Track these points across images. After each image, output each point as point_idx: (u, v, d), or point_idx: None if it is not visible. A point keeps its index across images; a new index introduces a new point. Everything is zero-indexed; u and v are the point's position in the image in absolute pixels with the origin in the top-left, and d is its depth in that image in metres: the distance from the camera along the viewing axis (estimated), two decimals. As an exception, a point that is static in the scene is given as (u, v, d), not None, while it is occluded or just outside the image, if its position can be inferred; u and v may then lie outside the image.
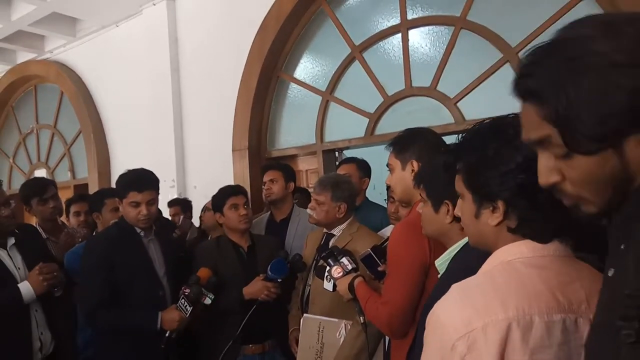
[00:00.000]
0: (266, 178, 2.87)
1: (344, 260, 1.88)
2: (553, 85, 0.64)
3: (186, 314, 2.14)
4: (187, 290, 2.16)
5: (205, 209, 3.18)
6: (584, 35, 0.64)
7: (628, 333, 0.57)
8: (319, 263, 2.17)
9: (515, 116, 0.81)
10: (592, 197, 0.67)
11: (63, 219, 3.22)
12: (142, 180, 2.27)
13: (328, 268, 1.92)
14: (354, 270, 1.87)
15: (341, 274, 1.86)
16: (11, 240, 2.22)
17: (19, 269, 2.19)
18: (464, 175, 0.93)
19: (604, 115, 0.61)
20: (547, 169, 0.69)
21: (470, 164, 0.92)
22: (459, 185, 0.95)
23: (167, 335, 2.14)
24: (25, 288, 2.10)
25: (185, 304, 2.14)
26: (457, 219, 1.26)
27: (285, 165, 3.04)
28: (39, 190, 2.79)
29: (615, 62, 0.60)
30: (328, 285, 2.01)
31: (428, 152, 1.61)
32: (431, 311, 0.88)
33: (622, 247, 0.68)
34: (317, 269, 2.07)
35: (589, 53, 0.62)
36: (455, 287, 0.88)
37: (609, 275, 0.70)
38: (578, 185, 0.67)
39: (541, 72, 0.66)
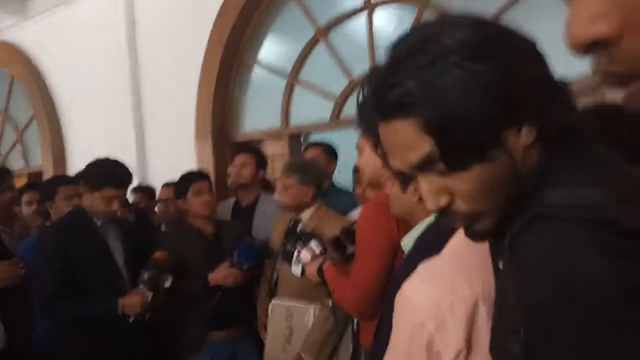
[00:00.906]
0: (237, 161, 2.80)
1: (312, 244, 1.87)
2: (422, 89, 0.58)
3: (147, 299, 2.10)
4: (146, 275, 2.11)
5: (164, 200, 3.05)
6: (435, 34, 0.60)
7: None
8: (287, 247, 2.14)
9: None
10: (489, 207, 0.62)
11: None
12: (124, 177, 2.24)
13: (296, 253, 1.90)
14: (322, 253, 1.85)
15: (310, 258, 1.84)
16: None
17: None
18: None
19: (477, 113, 0.57)
20: (433, 192, 0.63)
21: None
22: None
23: (131, 321, 2.10)
24: None
25: (145, 288, 2.10)
26: (424, 197, 1.26)
27: (258, 150, 2.98)
28: None
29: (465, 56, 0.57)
30: (296, 270, 1.99)
31: None
32: (399, 291, 0.86)
33: (499, 265, 0.68)
34: (284, 254, 2.04)
35: (444, 50, 0.58)
36: (422, 267, 0.87)
37: (500, 268, 0.69)
38: (473, 198, 0.61)
39: (405, 78, 0.59)
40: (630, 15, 0.44)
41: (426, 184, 0.63)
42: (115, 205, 2.18)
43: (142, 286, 2.11)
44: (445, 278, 0.82)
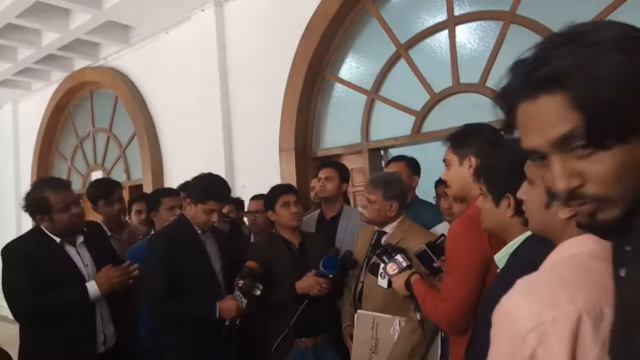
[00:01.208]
0: (322, 175, 2.91)
1: (399, 257, 1.89)
2: (578, 66, 0.60)
3: (242, 305, 2.22)
4: (241, 282, 2.24)
5: (255, 212, 3.20)
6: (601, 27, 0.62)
7: None
8: (372, 260, 2.19)
9: None
10: (619, 194, 0.62)
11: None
12: (224, 192, 2.42)
13: (383, 265, 1.93)
14: (409, 267, 1.87)
15: (396, 271, 1.86)
16: (80, 238, 2.33)
17: (87, 265, 2.30)
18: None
19: (630, 95, 0.57)
20: (566, 172, 0.63)
21: None
22: (532, 171, 0.94)
23: (227, 324, 2.22)
24: (92, 287, 2.21)
25: (240, 295, 2.23)
26: (517, 214, 1.26)
27: (341, 165, 3.07)
28: (106, 192, 2.94)
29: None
30: (382, 282, 2.02)
31: (487, 147, 1.59)
32: (497, 306, 0.87)
33: (627, 248, 0.67)
34: (370, 266, 2.09)
35: (609, 37, 0.60)
36: (521, 282, 0.87)
37: (621, 275, 0.70)
38: (606, 181, 0.61)
39: (560, 56, 0.61)
40: None
41: (559, 163, 0.64)
42: (214, 217, 2.35)
43: (238, 293, 2.23)
44: (546, 293, 0.82)
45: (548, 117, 0.63)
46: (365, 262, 2.33)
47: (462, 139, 1.66)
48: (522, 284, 0.87)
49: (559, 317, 0.79)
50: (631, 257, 0.64)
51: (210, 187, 2.37)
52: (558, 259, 0.90)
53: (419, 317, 1.82)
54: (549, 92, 0.62)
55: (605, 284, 0.82)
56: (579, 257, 0.87)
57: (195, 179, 2.44)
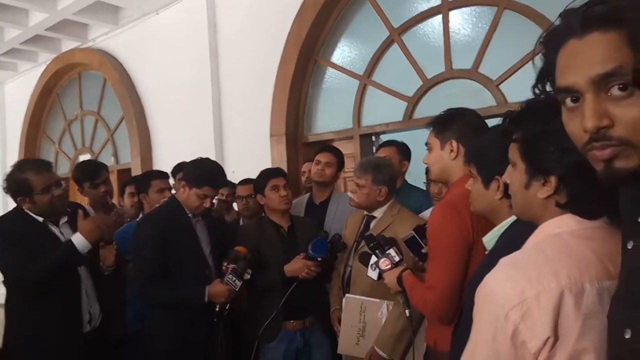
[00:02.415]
0: (322, 159, 2.90)
1: (391, 251, 1.85)
2: (633, 6, 0.62)
3: (235, 288, 2.21)
4: (232, 265, 2.23)
5: (245, 197, 3.19)
6: None
7: None
8: (361, 246, 2.18)
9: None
10: None
11: (116, 199, 3.35)
12: (221, 179, 2.42)
13: (375, 259, 1.90)
14: (401, 261, 1.85)
15: (389, 266, 1.83)
16: (63, 219, 2.33)
17: None
18: (521, 145, 0.93)
19: None
20: (598, 111, 0.66)
21: (530, 134, 0.91)
22: (514, 153, 0.96)
23: (217, 309, 2.22)
24: (77, 239, 2.15)
25: (234, 278, 2.22)
26: (507, 196, 1.26)
27: (339, 151, 3.06)
28: (91, 174, 2.90)
29: None
30: (372, 274, 1.99)
31: (469, 132, 1.61)
32: (481, 284, 0.89)
33: (639, 220, 0.69)
34: (360, 255, 2.08)
35: None
36: (504, 260, 0.89)
37: (628, 247, 0.72)
38: (635, 127, 0.64)
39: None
40: None
41: (594, 102, 0.66)
42: (207, 203, 2.34)
43: (230, 276, 2.22)
44: (529, 270, 0.84)
45: (595, 54, 0.65)
46: (354, 246, 2.33)
47: (444, 123, 1.67)
48: (505, 263, 0.89)
49: (542, 292, 0.81)
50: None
51: (207, 173, 2.35)
52: (540, 238, 0.91)
53: (408, 314, 1.80)
54: (603, 30, 0.65)
55: (587, 261, 0.84)
56: (561, 236, 0.88)
57: (192, 162, 2.43)
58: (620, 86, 0.64)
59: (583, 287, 0.81)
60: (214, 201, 2.53)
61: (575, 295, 0.80)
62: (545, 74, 0.78)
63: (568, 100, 0.71)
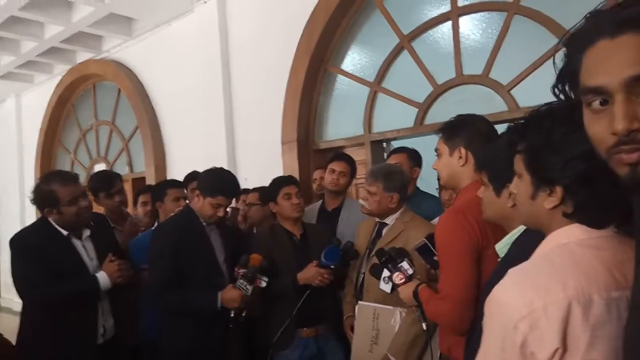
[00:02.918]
0: (337, 167, 2.92)
1: (404, 264, 1.84)
2: None
3: (247, 293, 2.22)
4: (243, 270, 2.25)
5: (249, 204, 3.22)
6: None
7: None
8: (373, 254, 2.18)
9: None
10: None
11: (131, 208, 3.40)
12: (234, 189, 2.45)
13: (388, 274, 1.89)
14: (414, 273, 1.84)
15: (403, 280, 1.81)
16: (86, 232, 2.36)
17: (92, 259, 2.33)
18: (526, 156, 0.94)
19: None
20: (630, 113, 0.64)
21: (534, 145, 0.91)
22: (519, 165, 0.96)
23: (232, 315, 2.23)
24: (103, 277, 2.26)
25: (245, 283, 2.23)
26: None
27: (353, 160, 3.08)
28: (106, 184, 2.95)
29: None
30: (385, 287, 1.99)
31: (477, 139, 1.61)
32: (490, 295, 0.89)
33: None
34: (372, 268, 2.07)
35: None
36: (513, 271, 0.89)
37: None
38: None
39: None
40: None
41: (626, 104, 0.65)
42: (221, 212, 2.37)
43: (241, 281, 2.24)
44: (537, 281, 0.84)
45: (628, 56, 0.64)
46: (367, 254, 2.34)
47: (453, 130, 1.67)
48: (514, 273, 0.89)
49: (550, 303, 0.81)
50: None
51: (221, 183, 2.38)
52: (548, 248, 0.91)
53: (425, 327, 1.79)
54: (638, 31, 0.64)
55: (595, 272, 0.84)
56: (569, 246, 0.88)
57: (206, 172, 2.46)
58: None
59: (591, 298, 0.81)
60: (228, 209, 2.56)
61: (583, 306, 0.80)
62: (567, 75, 0.76)
63: (595, 102, 0.69)
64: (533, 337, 0.81)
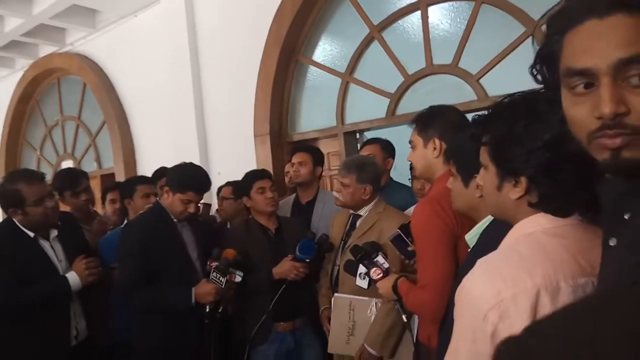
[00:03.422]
0: (295, 159, 2.91)
1: (379, 258, 1.84)
2: None
3: (221, 285, 2.20)
4: (215, 263, 2.22)
5: (222, 199, 3.19)
6: None
7: None
8: (348, 245, 2.19)
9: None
10: None
11: (99, 206, 3.31)
12: (204, 184, 2.40)
13: (365, 270, 1.90)
14: (389, 267, 1.84)
15: (381, 275, 1.81)
16: (54, 232, 2.28)
17: (60, 261, 2.26)
18: (490, 148, 0.95)
19: None
20: (616, 98, 0.63)
21: (498, 137, 0.93)
22: (484, 157, 0.97)
23: (207, 310, 2.20)
24: (73, 278, 2.18)
25: (218, 275, 2.20)
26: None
27: (315, 149, 3.06)
28: (72, 183, 2.86)
29: None
30: (362, 283, 2.00)
31: (450, 129, 1.62)
32: (459, 286, 0.91)
33: (625, 216, 0.69)
34: (346, 265, 2.07)
35: None
36: (481, 262, 0.91)
37: (611, 245, 0.72)
38: None
39: None
40: None
41: (611, 87, 0.63)
42: (191, 208, 2.32)
43: (215, 274, 2.21)
44: (505, 270, 0.86)
45: (618, 37, 0.62)
46: (342, 245, 2.34)
47: (426, 121, 1.68)
48: (482, 264, 0.91)
49: (518, 292, 0.83)
50: (626, 225, 0.65)
51: (191, 178, 2.34)
52: (514, 238, 0.93)
53: (405, 319, 1.81)
54: (628, 11, 0.62)
55: (561, 259, 0.86)
56: (535, 235, 0.90)
57: (176, 167, 2.41)
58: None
59: (558, 285, 0.83)
60: (200, 205, 2.52)
61: (551, 293, 0.82)
62: (545, 56, 0.74)
63: (579, 85, 0.67)
64: (503, 327, 0.82)
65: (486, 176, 0.98)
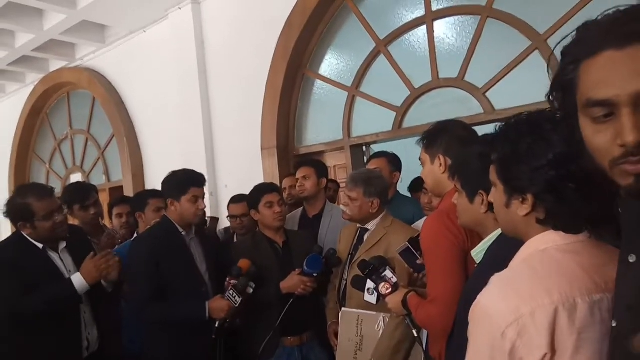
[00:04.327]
0: (299, 175, 2.91)
1: (387, 273, 1.84)
2: None
3: (236, 304, 2.20)
4: (234, 281, 2.23)
5: (241, 216, 3.16)
6: None
7: None
8: (355, 259, 2.18)
9: (552, 110, 0.82)
10: None
11: (107, 220, 3.33)
12: (200, 177, 2.43)
13: (373, 285, 1.89)
14: (397, 281, 1.83)
15: (389, 290, 1.80)
16: (62, 244, 2.30)
17: (70, 272, 2.26)
18: (497, 167, 0.97)
19: None
20: (638, 127, 0.63)
21: (503, 156, 0.95)
22: (493, 175, 1.00)
23: (217, 325, 2.20)
24: (77, 279, 2.15)
25: (235, 294, 2.21)
26: (491, 209, 1.28)
27: (317, 162, 3.07)
28: (81, 197, 2.89)
29: None
30: (370, 299, 1.99)
31: (455, 145, 1.63)
32: (475, 303, 0.90)
33: (628, 258, 0.71)
34: (353, 282, 2.06)
35: None
36: (496, 278, 0.91)
37: (631, 261, 0.73)
38: None
39: None
40: None
41: (633, 116, 0.64)
42: (201, 204, 2.35)
43: (231, 292, 2.21)
44: (522, 287, 0.86)
45: (637, 68, 0.63)
46: (349, 259, 2.34)
47: (431, 138, 1.70)
48: (497, 280, 0.91)
49: (536, 309, 0.83)
50: None
51: (185, 177, 2.39)
52: (528, 254, 0.94)
53: (415, 334, 1.80)
54: None
55: (576, 276, 0.86)
56: (548, 252, 0.91)
57: (166, 179, 2.44)
58: None
59: (575, 302, 0.83)
60: (207, 219, 2.53)
61: (568, 310, 0.83)
62: (561, 84, 0.75)
63: (600, 115, 0.68)
64: (521, 343, 0.82)
65: (495, 194, 1.00)
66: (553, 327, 0.82)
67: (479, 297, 0.90)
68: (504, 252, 1.08)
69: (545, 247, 0.91)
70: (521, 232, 0.97)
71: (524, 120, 0.95)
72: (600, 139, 0.69)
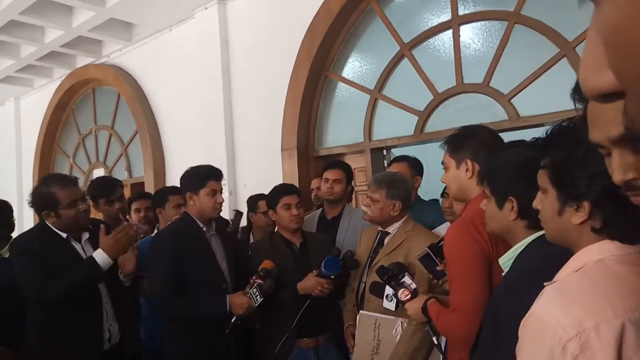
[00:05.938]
0: (330, 176, 2.90)
1: (406, 279, 1.82)
2: None
3: (255, 304, 2.21)
4: (260, 281, 2.23)
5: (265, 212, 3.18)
6: None
7: None
8: (375, 263, 2.17)
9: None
10: None
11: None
12: (218, 171, 2.45)
13: (392, 291, 1.87)
14: (417, 287, 1.82)
15: (409, 296, 1.78)
16: (85, 235, 2.34)
17: None
18: (550, 172, 0.93)
19: None
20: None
21: (558, 161, 0.91)
22: (543, 180, 0.95)
23: (232, 320, 2.20)
24: (99, 254, 2.19)
25: (257, 293, 2.21)
26: (521, 216, 1.25)
27: (347, 166, 3.07)
28: (106, 191, 2.93)
29: None
30: (389, 305, 1.97)
31: (483, 151, 1.60)
32: (528, 316, 0.86)
33: None
34: (372, 288, 2.05)
35: None
36: (552, 289, 0.87)
37: None
38: None
39: None
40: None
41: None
42: (219, 198, 2.36)
43: (254, 290, 2.22)
44: (583, 299, 0.82)
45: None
46: (368, 262, 2.33)
47: (458, 142, 1.67)
48: (554, 291, 0.86)
49: (600, 323, 0.78)
50: None
51: (202, 171, 2.40)
52: (583, 264, 0.89)
53: (436, 342, 1.78)
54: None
55: (637, 288, 0.82)
56: (605, 262, 0.86)
57: (184, 174, 2.46)
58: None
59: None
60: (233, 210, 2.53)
61: (635, 325, 0.78)
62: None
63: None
64: (583, 358, 0.78)
65: (545, 200, 0.96)
66: (619, 343, 0.77)
67: (533, 308, 0.86)
68: (535, 262, 1.06)
69: (600, 257, 0.87)
70: (572, 241, 0.92)
71: (579, 123, 0.92)
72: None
